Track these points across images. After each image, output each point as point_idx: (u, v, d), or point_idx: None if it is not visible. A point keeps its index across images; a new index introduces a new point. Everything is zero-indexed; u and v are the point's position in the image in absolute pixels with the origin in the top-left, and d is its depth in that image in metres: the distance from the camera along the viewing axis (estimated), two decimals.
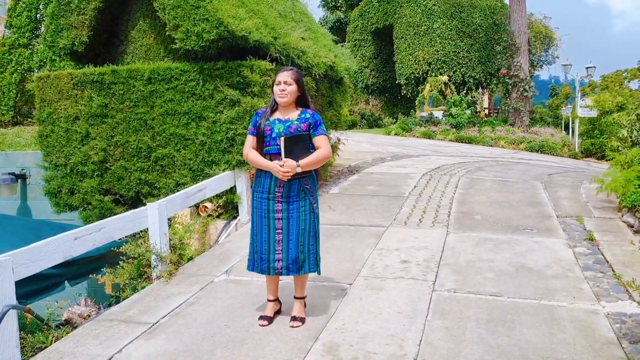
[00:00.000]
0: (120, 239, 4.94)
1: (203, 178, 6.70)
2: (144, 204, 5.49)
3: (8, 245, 4.36)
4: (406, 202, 7.25)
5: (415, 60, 21.54)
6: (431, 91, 20.79)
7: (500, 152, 15.62)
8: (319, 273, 3.86)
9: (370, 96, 28.91)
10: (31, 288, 5.00)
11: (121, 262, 5.12)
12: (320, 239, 4.00)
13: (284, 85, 3.63)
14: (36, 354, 3.60)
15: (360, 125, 25.19)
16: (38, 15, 15.51)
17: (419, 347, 3.36)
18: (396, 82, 23.43)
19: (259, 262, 3.71)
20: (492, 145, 17.34)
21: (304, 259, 3.69)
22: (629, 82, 37.23)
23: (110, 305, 4.74)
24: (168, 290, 4.55)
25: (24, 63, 15.28)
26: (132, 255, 5.11)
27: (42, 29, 14.75)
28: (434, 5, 21.00)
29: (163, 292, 4.52)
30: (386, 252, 5.23)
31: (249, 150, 3.68)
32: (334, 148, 9.26)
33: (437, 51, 20.93)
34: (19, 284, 3.63)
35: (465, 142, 17.88)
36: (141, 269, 5.12)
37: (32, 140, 11.91)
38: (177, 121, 6.91)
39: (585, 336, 3.46)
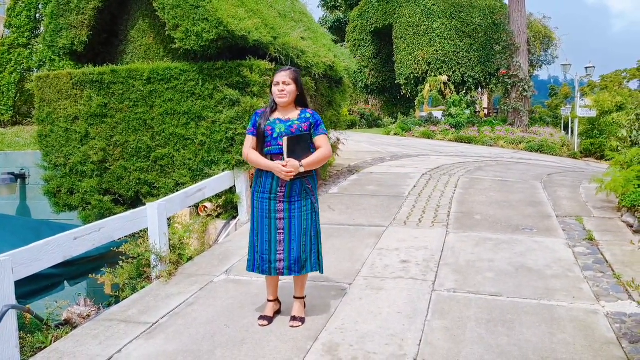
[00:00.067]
0: (120, 239, 4.93)
1: (202, 178, 6.70)
2: (144, 204, 5.49)
3: (7, 245, 4.36)
4: (406, 202, 7.25)
5: (414, 60, 21.54)
6: (431, 91, 20.79)
7: (499, 152, 15.62)
8: (321, 272, 3.85)
9: (369, 96, 28.90)
10: (31, 288, 5.00)
11: (121, 262, 5.12)
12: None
13: (283, 85, 3.62)
14: (36, 354, 3.60)
15: (359, 125, 25.18)
16: (37, 15, 15.50)
17: (418, 347, 3.36)
18: (396, 82, 23.42)
19: (259, 262, 3.70)
20: (491, 145, 17.34)
21: (305, 258, 3.69)
22: (628, 82, 37.27)
23: (109, 305, 4.74)
24: (168, 290, 4.55)
25: (23, 63, 15.28)
26: (131, 255, 5.10)
27: (42, 28, 14.75)
28: (434, 5, 20.99)
29: (163, 292, 4.52)
30: (386, 252, 5.23)
31: (249, 150, 3.66)
32: (334, 148, 9.26)
33: (437, 51, 20.92)
34: (19, 284, 3.63)
35: (465, 142, 17.87)
36: (141, 269, 5.12)
37: (31, 140, 11.90)
38: (176, 121, 6.91)
39: (585, 336, 3.46)
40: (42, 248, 3.93)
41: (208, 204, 6.60)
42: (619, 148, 15.72)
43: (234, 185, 6.74)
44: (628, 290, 4.15)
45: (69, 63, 9.63)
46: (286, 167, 3.50)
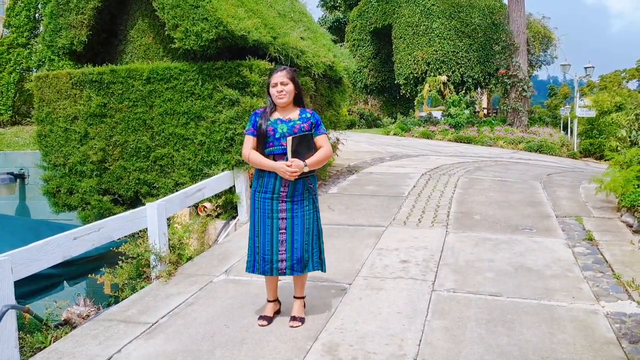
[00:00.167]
0: (119, 238, 4.93)
1: (202, 178, 6.70)
2: (143, 204, 5.48)
3: (7, 245, 4.35)
4: (405, 202, 7.25)
5: (414, 60, 21.54)
6: (430, 91, 20.78)
7: (499, 152, 15.63)
8: (323, 271, 3.85)
9: (369, 96, 28.90)
10: (30, 288, 5.00)
11: (120, 262, 5.12)
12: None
13: (281, 86, 3.62)
14: (35, 354, 3.59)
15: (359, 125, 25.18)
16: (37, 15, 15.50)
17: (418, 347, 3.36)
18: (395, 82, 23.42)
19: (260, 263, 3.68)
20: (491, 145, 17.34)
21: (308, 258, 3.70)
22: (627, 82, 37.30)
23: (109, 305, 4.73)
24: (167, 290, 4.55)
25: (22, 63, 15.27)
26: (131, 255, 5.10)
27: (41, 28, 14.73)
28: (433, 5, 20.99)
29: (162, 292, 4.51)
30: (385, 252, 5.23)
31: (250, 151, 3.63)
32: (333, 148, 9.26)
33: (436, 51, 20.92)
34: (18, 284, 3.62)
35: (464, 142, 17.88)
36: (140, 269, 5.11)
37: (30, 140, 11.90)
38: (176, 121, 6.90)
39: (585, 336, 3.46)
40: (42, 248, 3.92)
41: (207, 204, 6.60)
42: (619, 148, 15.73)
43: (234, 185, 6.73)
44: (628, 290, 4.15)
45: (68, 63, 9.63)
46: (291, 167, 3.50)
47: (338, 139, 9.50)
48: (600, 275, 4.53)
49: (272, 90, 3.65)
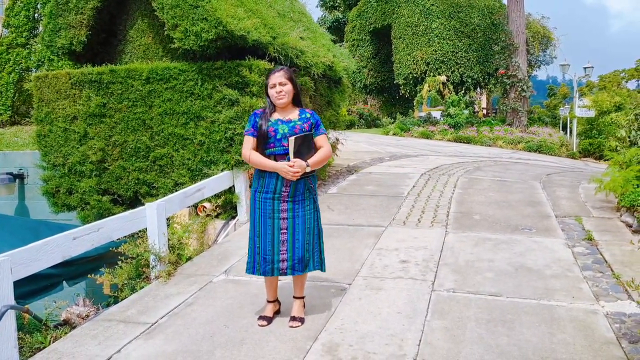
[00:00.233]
0: (119, 239, 4.93)
1: (202, 178, 6.69)
2: (143, 204, 5.48)
3: (6, 245, 4.35)
4: (405, 202, 7.25)
5: (413, 60, 21.54)
6: (429, 91, 20.78)
7: (498, 152, 15.63)
8: (323, 270, 3.85)
9: (368, 96, 28.91)
10: (30, 288, 5.00)
11: (120, 262, 5.11)
12: None
13: (280, 86, 3.61)
14: (34, 354, 3.59)
15: (358, 125, 25.18)
16: (36, 15, 15.47)
17: (418, 347, 3.36)
18: (394, 82, 23.42)
19: (261, 264, 3.67)
20: (490, 145, 17.35)
21: (309, 257, 3.70)
22: (626, 82, 37.34)
23: (108, 305, 4.73)
24: (167, 291, 4.54)
25: (21, 63, 15.25)
26: (130, 256, 5.10)
27: (40, 28, 14.72)
28: (432, 5, 20.99)
29: (162, 292, 4.51)
30: (385, 252, 5.23)
31: (251, 152, 3.61)
32: (333, 148, 9.26)
33: (436, 51, 20.92)
34: (17, 284, 3.62)
35: (464, 142, 17.88)
36: (140, 269, 5.11)
37: (30, 140, 11.88)
38: (175, 121, 6.90)
39: (585, 336, 3.46)
40: (41, 248, 3.92)
41: (207, 204, 6.59)
42: (618, 148, 15.73)
43: (233, 185, 6.73)
44: (627, 290, 4.15)
45: (67, 63, 9.62)
46: (293, 167, 3.50)
47: (337, 139, 9.49)
48: (599, 275, 4.53)
49: (271, 91, 3.64)
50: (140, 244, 5.11)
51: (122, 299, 4.54)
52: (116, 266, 5.09)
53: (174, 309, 4.14)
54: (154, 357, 3.38)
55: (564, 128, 20.49)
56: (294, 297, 3.84)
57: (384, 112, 27.16)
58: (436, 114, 21.83)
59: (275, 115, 3.67)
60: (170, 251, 5.21)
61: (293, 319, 3.74)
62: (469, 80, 21.26)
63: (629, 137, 17.66)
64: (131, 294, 4.64)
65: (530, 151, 16.64)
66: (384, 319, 3.77)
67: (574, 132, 18.65)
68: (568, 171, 11.08)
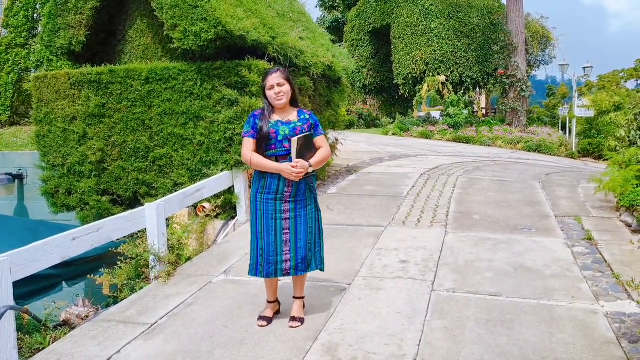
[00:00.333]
0: (118, 239, 4.93)
1: (201, 178, 6.69)
2: (142, 204, 5.47)
3: (5, 245, 4.34)
4: (404, 202, 7.25)
5: (412, 60, 21.54)
6: (429, 91, 20.79)
7: (497, 152, 15.64)
8: (322, 270, 3.86)
9: (367, 96, 28.90)
10: (29, 289, 4.99)
11: (119, 263, 5.11)
12: None
13: (278, 87, 3.61)
14: (34, 355, 3.59)
15: (357, 126, 25.18)
16: (35, 15, 15.47)
17: (418, 347, 3.36)
18: (394, 82, 23.42)
19: (265, 265, 3.66)
20: (489, 145, 17.35)
21: (311, 257, 3.71)
22: (625, 82, 37.33)
23: (108, 305, 4.73)
24: (166, 291, 4.54)
25: (21, 63, 15.25)
26: (130, 256, 5.10)
27: (39, 28, 14.70)
28: (432, 5, 20.99)
29: (161, 293, 4.51)
30: (385, 252, 5.23)
31: (252, 154, 3.60)
32: (332, 148, 9.26)
33: (435, 51, 20.93)
34: (17, 284, 3.62)
35: (463, 142, 17.88)
36: (139, 269, 5.11)
37: (29, 141, 11.88)
38: (175, 121, 6.89)
39: (585, 336, 3.45)
40: (40, 249, 3.92)
41: (206, 204, 6.59)
42: (617, 148, 15.72)
43: (233, 186, 6.72)
44: (627, 290, 4.15)
45: (66, 63, 9.60)
46: (296, 168, 3.50)
47: (337, 139, 9.49)
48: (599, 275, 4.53)
49: (269, 93, 3.63)
50: (139, 244, 5.11)
51: (121, 300, 4.53)
52: (116, 267, 5.09)
53: (174, 309, 4.14)
54: (154, 357, 3.38)
55: (563, 128, 20.50)
56: (294, 297, 3.84)
57: (383, 112, 27.17)
58: (435, 114, 21.84)
59: (275, 117, 3.66)
60: (169, 251, 5.21)
61: (293, 319, 3.74)
62: (468, 80, 21.27)
63: (628, 136, 17.64)
64: (131, 294, 4.63)
65: (529, 151, 16.64)
66: (384, 319, 3.76)
67: (573, 132, 18.66)
68: (567, 171, 11.08)
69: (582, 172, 11.15)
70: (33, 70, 15.14)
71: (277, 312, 3.91)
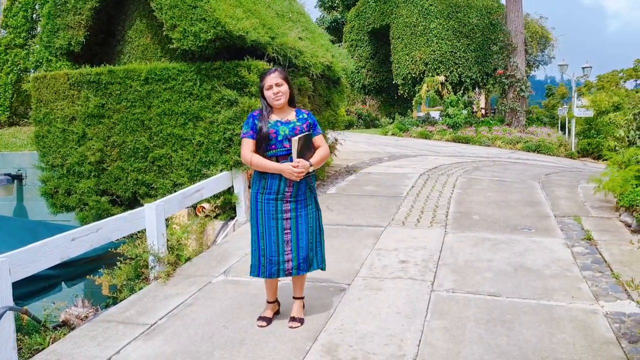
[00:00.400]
0: (118, 239, 4.92)
1: (200, 178, 6.68)
2: (141, 205, 5.47)
3: (4, 246, 4.34)
4: (404, 202, 7.25)
5: (412, 61, 21.55)
6: (428, 91, 20.79)
7: (497, 152, 15.64)
8: (323, 269, 3.86)
9: (367, 96, 28.91)
10: (28, 289, 4.98)
11: (118, 263, 5.10)
12: None
13: (277, 87, 3.60)
14: (33, 355, 3.58)
15: (357, 126, 25.19)
16: (34, 16, 15.45)
17: (418, 347, 3.35)
18: (393, 82, 23.43)
19: (267, 266, 3.65)
20: (489, 145, 17.36)
21: (312, 256, 3.71)
22: (624, 82, 37.33)
23: (107, 306, 4.72)
24: (166, 291, 4.54)
25: (20, 63, 15.23)
26: (129, 256, 5.09)
27: (38, 29, 14.69)
28: (431, 5, 21.00)
29: (161, 293, 4.50)
30: (384, 252, 5.22)
31: (252, 154, 3.58)
32: (332, 148, 9.26)
33: (434, 51, 20.93)
34: (16, 285, 3.61)
35: (462, 142, 17.89)
36: (139, 269, 5.10)
37: (28, 141, 11.87)
38: (174, 121, 6.89)
39: (585, 336, 3.45)
40: (40, 249, 3.91)
41: (206, 205, 6.59)
42: (617, 148, 15.73)
43: (232, 186, 6.72)
44: (627, 290, 4.15)
45: (65, 63, 9.59)
46: (298, 167, 3.50)
47: (336, 139, 9.49)
48: (599, 275, 4.53)
49: (268, 93, 3.62)
50: (139, 244, 5.10)
51: (121, 300, 4.53)
52: (115, 267, 5.08)
53: (173, 309, 4.13)
54: (153, 358, 3.37)
55: (563, 128, 20.51)
56: (294, 297, 3.84)
57: (382, 112, 27.17)
58: (435, 114, 21.86)
59: (274, 117, 3.66)
60: (169, 252, 5.20)
61: (293, 319, 3.74)
62: (468, 80, 21.27)
63: (628, 136, 17.65)
64: (130, 294, 4.63)
65: (528, 151, 16.65)
66: (384, 319, 3.76)
67: (573, 132, 18.67)
68: (567, 171, 11.09)
69: (582, 172, 11.15)
70: (32, 71, 15.13)
71: (276, 313, 3.91)
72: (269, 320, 3.77)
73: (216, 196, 6.61)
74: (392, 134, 20.09)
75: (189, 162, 6.87)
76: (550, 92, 38.64)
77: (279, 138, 3.57)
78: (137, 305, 4.27)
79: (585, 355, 3.21)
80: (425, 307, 3.94)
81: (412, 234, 5.85)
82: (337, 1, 33.51)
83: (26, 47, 15.35)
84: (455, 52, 21.06)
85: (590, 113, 18.50)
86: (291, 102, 3.75)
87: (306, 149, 3.58)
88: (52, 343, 3.79)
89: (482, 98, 30.35)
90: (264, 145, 3.58)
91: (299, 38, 7.40)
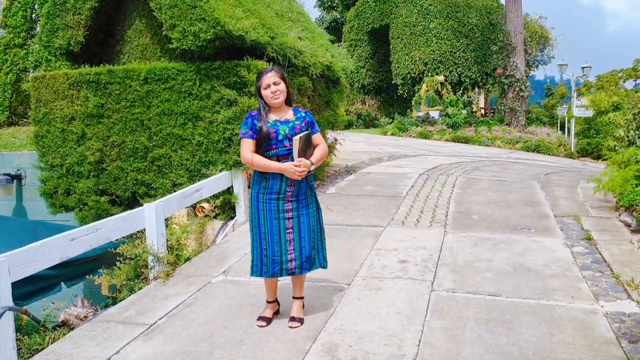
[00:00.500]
0: (117, 239, 4.92)
1: (200, 178, 6.68)
2: (141, 205, 5.47)
3: (4, 246, 4.33)
4: (404, 202, 7.25)
5: (411, 60, 21.55)
6: (427, 91, 20.79)
7: (496, 151, 15.65)
8: (325, 267, 3.87)
9: (366, 96, 28.91)
10: (27, 289, 4.98)
11: (118, 263, 5.10)
12: None
13: (274, 86, 3.60)
14: (33, 355, 3.58)
15: (356, 126, 25.19)
16: (33, 15, 15.43)
17: (418, 347, 3.35)
18: (392, 82, 23.43)
19: (269, 265, 3.64)
20: (488, 145, 17.36)
21: (314, 255, 3.71)
22: (624, 82, 37.31)
23: (107, 306, 4.72)
24: (165, 291, 4.53)
25: (19, 63, 15.21)
26: (129, 256, 5.09)
27: (38, 28, 14.65)
28: (430, 5, 21.00)
29: (160, 293, 4.50)
30: (384, 252, 5.22)
31: (253, 155, 3.57)
32: (331, 148, 9.26)
33: (434, 51, 20.93)
34: (15, 285, 3.61)
35: (462, 142, 17.89)
36: (138, 269, 5.10)
37: (27, 141, 11.85)
38: (173, 121, 6.88)
39: (585, 336, 3.45)
40: (39, 249, 3.91)
41: (205, 205, 6.58)
42: (616, 147, 15.73)
43: (232, 186, 6.72)
44: (627, 290, 4.15)
45: (65, 63, 9.57)
46: (299, 167, 3.49)
47: (336, 139, 9.49)
48: (599, 274, 4.53)
49: (265, 92, 3.62)
50: (138, 244, 5.10)
51: (120, 300, 4.52)
52: (114, 267, 5.08)
53: (173, 309, 4.13)
54: (153, 358, 3.37)
55: (562, 128, 20.52)
56: (293, 297, 3.84)
57: (382, 112, 27.17)
58: (434, 114, 21.85)
59: (272, 116, 3.66)
60: (168, 252, 5.20)
61: (292, 319, 3.74)
62: (467, 80, 21.28)
63: (627, 136, 17.63)
64: (130, 294, 4.62)
65: (528, 151, 16.66)
66: (383, 319, 3.76)
67: (572, 132, 18.68)
68: (566, 171, 11.09)
69: (581, 171, 11.16)
70: (31, 71, 15.09)
71: (276, 312, 3.90)
72: (268, 320, 3.77)
73: (216, 196, 6.60)
74: (392, 134, 20.09)
75: (188, 162, 6.87)
76: (549, 92, 38.61)
77: (280, 137, 3.57)
78: (136, 305, 4.27)
79: (585, 355, 3.21)
80: (425, 307, 3.94)
81: (411, 233, 5.84)
82: (336, 1, 33.50)
83: (25, 46, 15.33)
84: (455, 52, 21.06)
85: (590, 113, 18.50)
86: (288, 101, 3.75)
87: (307, 148, 3.58)
88: (52, 343, 3.79)
89: (482, 98, 30.35)
90: (264, 145, 3.57)
91: (299, 38, 7.40)
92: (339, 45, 11.45)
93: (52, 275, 5.35)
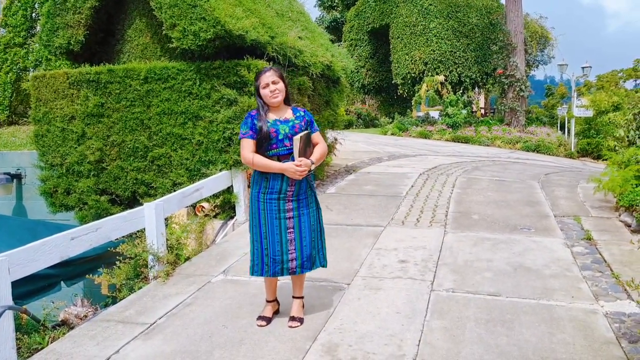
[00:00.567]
0: (117, 239, 4.91)
1: (200, 178, 6.68)
2: (141, 204, 5.47)
3: (4, 245, 4.33)
4: (403, 202, 7.25)
5: (411, 60, 21.55)
6: (427, 91, 20.79)
7: (496, 151, 15.64)
8: (325, 266, 3.87)
9: (366, 96, 28.91)
10: (27, 288, 4.98)
11: (118, 263, 5.10)
12: None
13: (273, 85, 3.60)
14: (32, 355, 3.58)
15: (356, 125, 25.19)
16: (33, 14, 15.42)
17: (417, 347, 3.35)
18: (392, 81, 23.43)
19: (270, 265, 3.64)
20: (488, 145, 17.36)
21: (315, 254, 3.72)
22: (624, 82, 37.32)
23: (107, 305, 4.72)
24: (165, 291, 4.53)
25: (19, 62, 15.20)
26: (128, 256, 5.08)
27: (38, 28, 14.66)
28: (430, 5, 21.01)
29: (160, 293, 4.50)
30: (384, 252, 5.22)
31: (253, 155, 3.56)
32: (331, 148, 9.26)
33: (434, 51, 20.94)
34: (15, 284, 3.61)
35: (462, 142, 17.89)
36: (138, 269, 5.10)
37: (27, 140, 11.85)
38: (173, 121, 6.88)
39: (585, 336, 3.45)
40: (39, 248, 3.90)
41: (205, 204, 6.58)
42: (616, 147, 15.73)
43: (232, 185, 6.71)
44: (627, 290, 4.15)
45: (65, 62, 9.58)
46: (300, 166, 3.49)
47: (336, 139, 9.49)
48: (599, 274, 4.53)
49: (265, 91, 3.62)
50: (138, 244, 5.10)
51: (120, 299, 4.52)
52: (114, 266, 5.08)
53: (173, 309, 4.13)
54: (153, 357, 3.37)
55: (562, 128, 20.52)
56: (293, 297, 3.84)
57: (382, 112, 27.17)
58: (434, 113, 21.84)
59: (271, 116, 3.65)
60: (168, 251, 5.20)
61: (292, 319, 3.73)
62: (467, 80, 21.28)
63: (628, 136, 17.63)
64: (129, 294, 4.62)
65: (528, 151, 16.66)
66: (383, 319, 3.76)
67: (572, 132, 18.68)
68: (566, 171, 11.09)
69: (581, 172, 11.16)
70: (31, 70, 15.09)
71: (276, 312, 3.90)
72: (268, 320, 3.77)
73: (215, 195, 6.60)
74: (392, 134, 20.09)
75: (188, 162, 6.86)
76: (549, 92, 38.63)
77: (280, 137, 3.57)
78: (136, 305, 4.27)
79: (585, 355, 3.21)
80: (425, 307, 3.94)
81: (411, 233, 5.84)
82: (336, 0, 33.51)
83: (25, 46, 15.32)
84: (455, 52, 21.06)
85: (590, 113, 18.50)
86: (287, 101, 3.75)
87: (307, 147, 3.58)
88: (52, 342, 3.79)
89: (482, 98, 30.35)
90: (264, 144, 3.57)
91: (299, 37, 7.39)
92: (339, 45, 11.44)
93: (52, 275, 5.35)
